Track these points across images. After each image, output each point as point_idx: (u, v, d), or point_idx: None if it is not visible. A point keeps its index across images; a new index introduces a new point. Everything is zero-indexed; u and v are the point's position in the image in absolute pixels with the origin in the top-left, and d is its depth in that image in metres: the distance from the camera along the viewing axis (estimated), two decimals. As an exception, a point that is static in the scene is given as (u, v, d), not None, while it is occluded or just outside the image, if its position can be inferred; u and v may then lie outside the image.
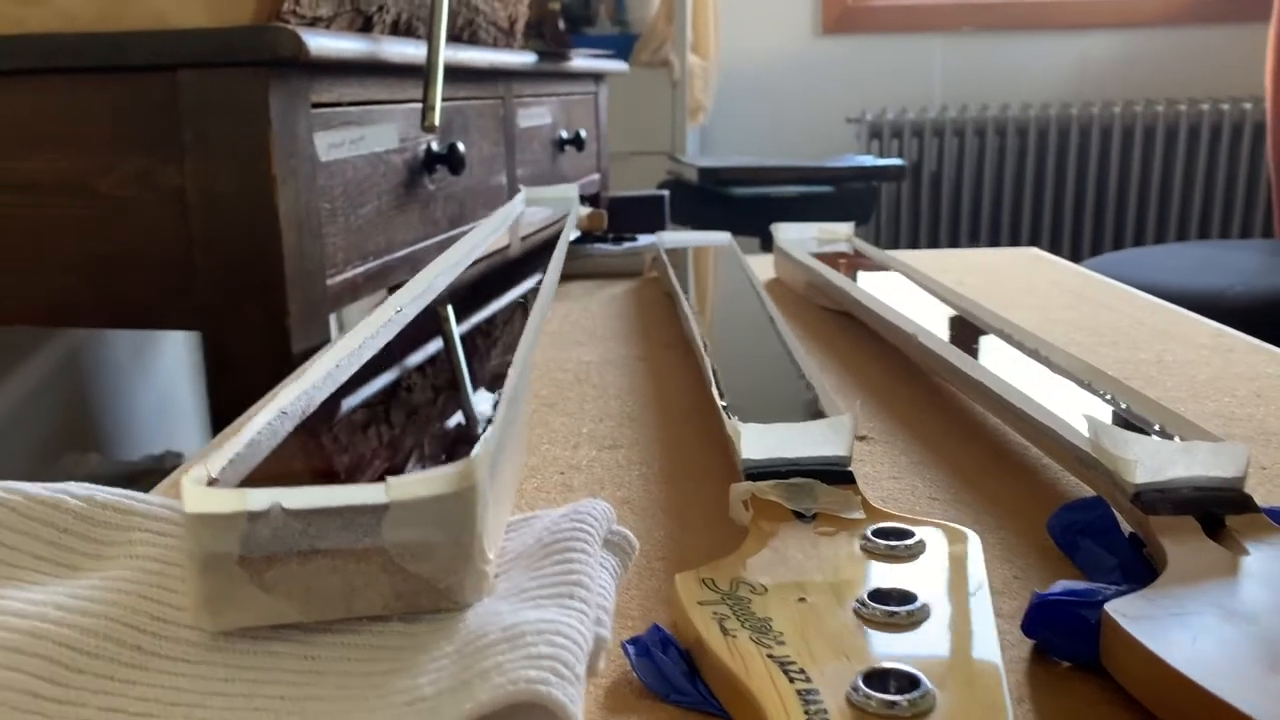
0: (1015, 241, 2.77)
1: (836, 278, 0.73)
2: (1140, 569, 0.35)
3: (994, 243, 2.77)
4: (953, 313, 0.65)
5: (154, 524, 0.27)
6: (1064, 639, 0.31)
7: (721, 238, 0.96)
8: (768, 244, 2.14)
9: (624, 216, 1.61)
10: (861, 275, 0.82)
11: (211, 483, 0.24)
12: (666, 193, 1.72)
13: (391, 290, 0.87)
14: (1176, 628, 0.29)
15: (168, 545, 0.26)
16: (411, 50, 0.81)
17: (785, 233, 0.94)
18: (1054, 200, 2.75)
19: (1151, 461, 0.36)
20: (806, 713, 0.26)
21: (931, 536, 0.35)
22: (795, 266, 0.85)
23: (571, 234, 0.76)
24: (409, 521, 0.24)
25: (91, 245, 0.67)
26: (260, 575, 0.24)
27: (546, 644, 0.21)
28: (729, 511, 0.38)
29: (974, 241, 2.78)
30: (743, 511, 0.38)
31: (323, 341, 0.73)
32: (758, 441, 0.39)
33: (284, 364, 0.68)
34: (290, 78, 0.67)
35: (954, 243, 2.78)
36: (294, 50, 0.64)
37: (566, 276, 0.90)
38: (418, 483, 0.24)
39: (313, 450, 0.29)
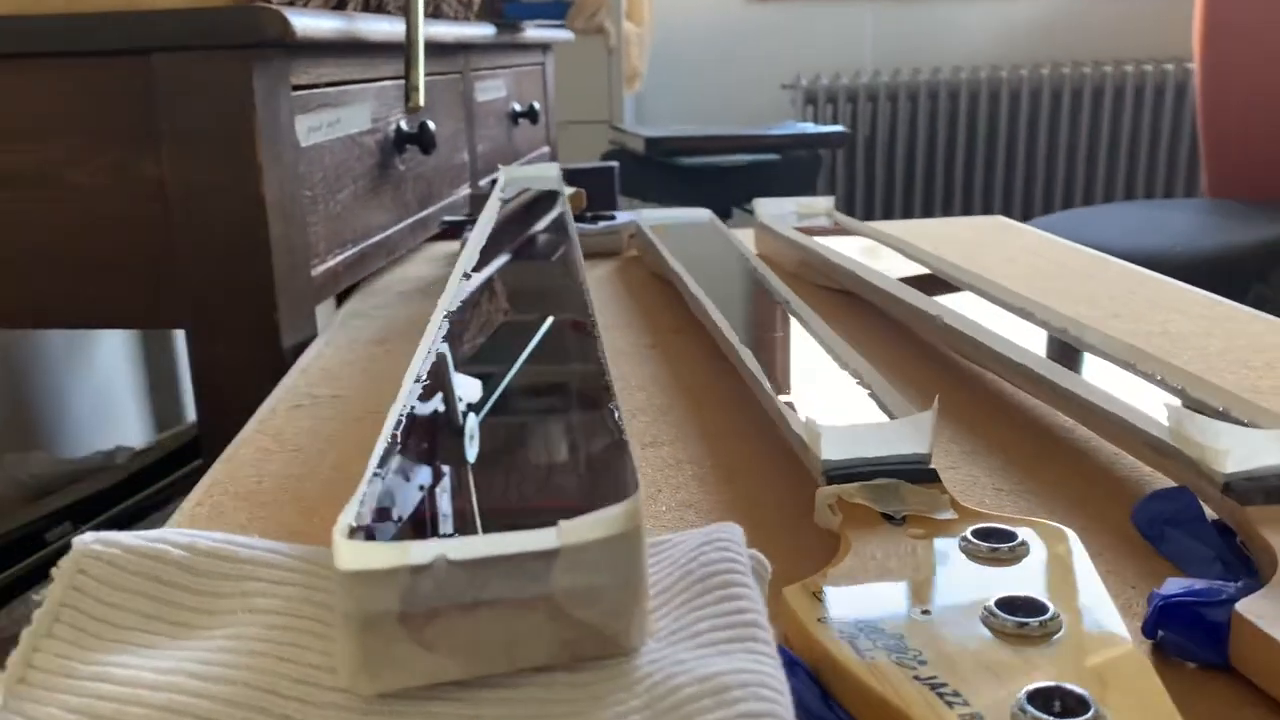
0: (950, 207, 2.80)
1: (840, 258, 0.72)
2: (1238, 560, 0.35)
3: (931, 209, 2.80)
4: (964, 290, 0.65)
5: (266, 571, 0.25)
6: (1191, 640, 0.31)
7: (701, 214, 0.95)
8: (714, 212, 2.13)
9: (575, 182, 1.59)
10: (854, 251, 0.82)
11: (356, 532, 0.22)
12: (616, 164, 1.69)
13: (348, 294, 0.84)
14: (1317, 629, 0.29)
15: (288, 596, 0.24)
16: (388, 27, 0.78)
17: (766, 207, 0.93)
18: (985, 164, 2.79)
19: (1241, 450, 0.36)
20: (978, 741, 0.25)
21: (1030, 537, 0.34)
22: (784, 244, 0.84)
23: (567, 216, 0.74)
24: (579, 566, 0.22)
25: (65, 242, 0.63)
26: (421, 632, 0.22)
27: (756, 698, 0.20)
28: (814, 516, 0.37)
29: (912, 208, 2.80)
30: (829, 516, 0.36)
31: (310, 336, 0.70)
32: (837, 443, 0.38)
33: (275, 362, 0.65)
34: (273, 60, 0.63)
35: (890, 210, 2.80)
36: (280, 31, 0.60)
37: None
38: (590, 525, 0.22)
39: (438, 480, 0.27)
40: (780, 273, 0.84)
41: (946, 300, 0.64)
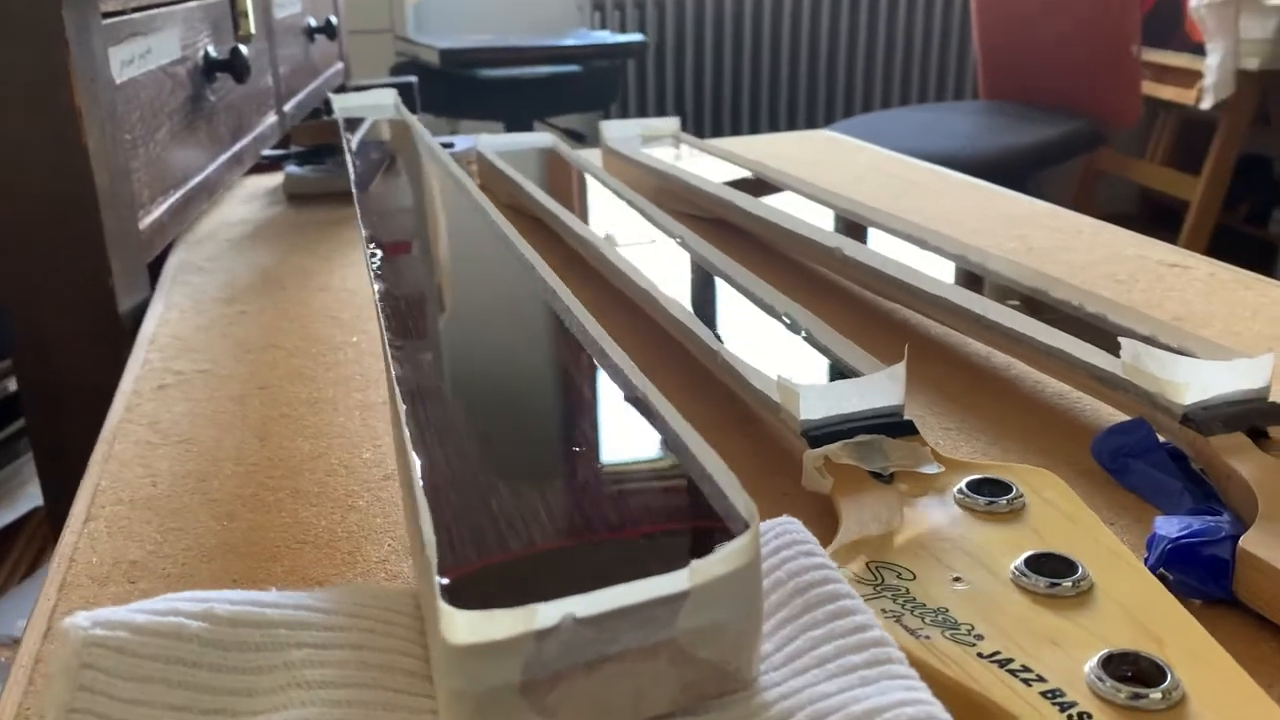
0: (739, 115, 2.83)
1: (717, 188, 0.70)
2: (1204, 489, 0.36)
3: (720, 117, 2.82)
4: (844, 216, 0.65)
5: (307, 635, 0.21)
6: (1198, 578, 0.31)
7: (543, 138, 0.91)
8: (513, 127, 2.07)
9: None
10: (711, 175, 0.80)
11: (457, 595, 0.19)
12: (415, 79, 1.60)
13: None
14: (1321, 560, 0.30)
15: (341, 662, 0.21)
16: (198, -59, 0.69)
17: (612, 130, 0.90)
18: (771, 72, 2.82)
19: (1197, 381, 0.37)
20: (1070, 718, 0.24)
21: (1019, 485, 0.34)
22: (637, 169, 0.82)
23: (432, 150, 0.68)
24: (706, 605, 0.20)
25: None
26: (543, 699, 0.19)
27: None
28: (801, 480, 0.36)
29: (703, 117, 2.81)
30: (819, 479, 0.35)
31: (145, 298, 0.62)
32: (815, 401, 0.36)
33: (112, 330, 0.58)
34: (81, -16, 0.55)
35: (686, 122, 2.80)
36: (91, -49, 0.52)
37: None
38: (721, 561, 0.20)
39: (505, 501, 0.23)
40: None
41: (840, 225, 0.64)
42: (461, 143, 0.91)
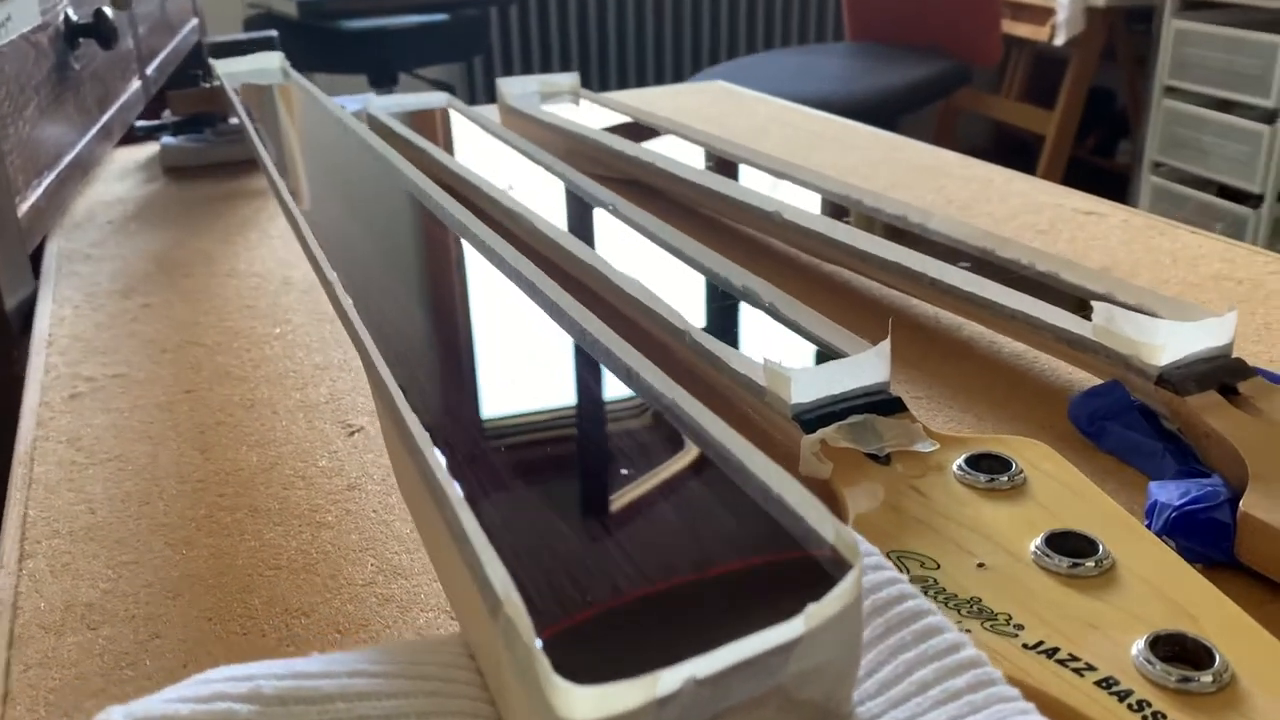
0: (606, 66, 2.79)
1: (636, 150, 0.68)
2: (1181, 447, 0.37)
3: (588, 67, 2.77)
4: (771, 176, 0.64)
5: (370, 705, 0.19)
6: (1202, 543, 0.32)
7: (437, 98, 0.87)
8: (378, 81, 1.99)
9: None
10: (614, 131, 0.78)
11: (560, 662, 0.17)
12: (275, 33, 1.52)
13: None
14: (1323, 520, 0.30)
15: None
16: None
17: (510, 87, 0.87)
18: (636, 20, 2.79)
19: (1172, 343, 0.38)
20: (1130, 707, 0.24)
21: (1017, 458, 0.34)
22: (546, 131, 0.79)
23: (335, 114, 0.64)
24: (815, 648, 0.19)
25: None
26: (659, 767, 0.17)
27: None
28: (799, 466, 0.35)
29: (569, 66, 2.76)
30: (817, 464, 0.34)
31: (30, 293, 0.57)
32: (806, 385, 0.35)
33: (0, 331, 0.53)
34: (-63, -51, 0.49)
35: (554, 69, 2.74)
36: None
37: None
38: (829, 603, 0.18)
39: (573, 540, 0.21)
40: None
41: (766, 184, 0.63)
42: (348, 105, 0.86)
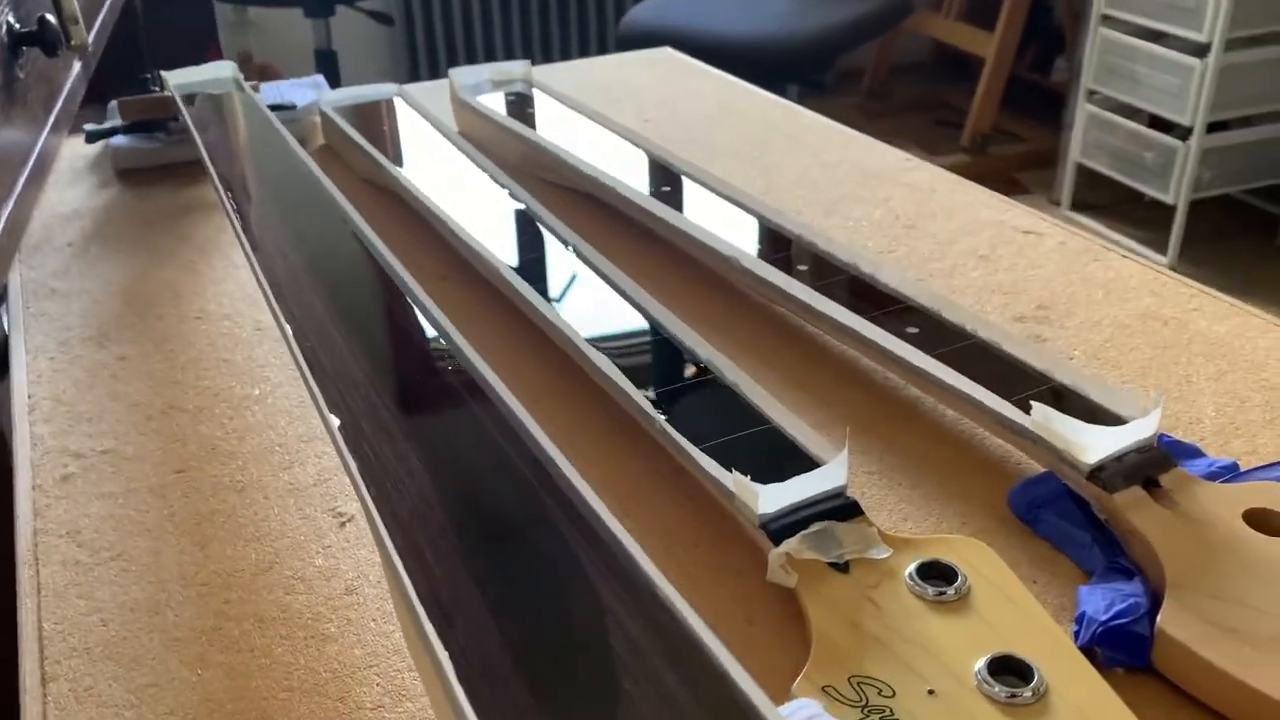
0: (530, 13, 2.72)
1: (584, 165, 0.70)
2: (1107, 540, 0.41)
3: (509, 14, 2.70)
4: (724, 202, 0.66)
5: None
6: (1124, 653, 0.36)
7: (387, 89, 0.87)
8: (314, 13, 1.93)
9: (166, 38, 1.37)
10: (566, 133, 0.79)
11: None
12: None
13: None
14: (1227, 640, 0.35)
15: None
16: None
17: (462, 78, 0.87)
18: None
19: (1101, 443, 0.41)
20: None
21: (960, 563, 0.37)
22: (501, 133, 0.80)
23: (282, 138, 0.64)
24: None
25: None
26: None
27: None
28: (767, 575, 0.38)
29: (490, 12, 2.69)
30: (783, 575, 0.38)
31: (1, 339, 0.58)
32: (771, 497, 0.39)
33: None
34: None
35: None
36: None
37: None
38: None
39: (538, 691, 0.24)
40: (501, 165, 0.79)
41: (714, 214, 0.65)
42: (302, 97, 0.86)
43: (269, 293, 0.45)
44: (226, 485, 0.45)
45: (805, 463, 0.41)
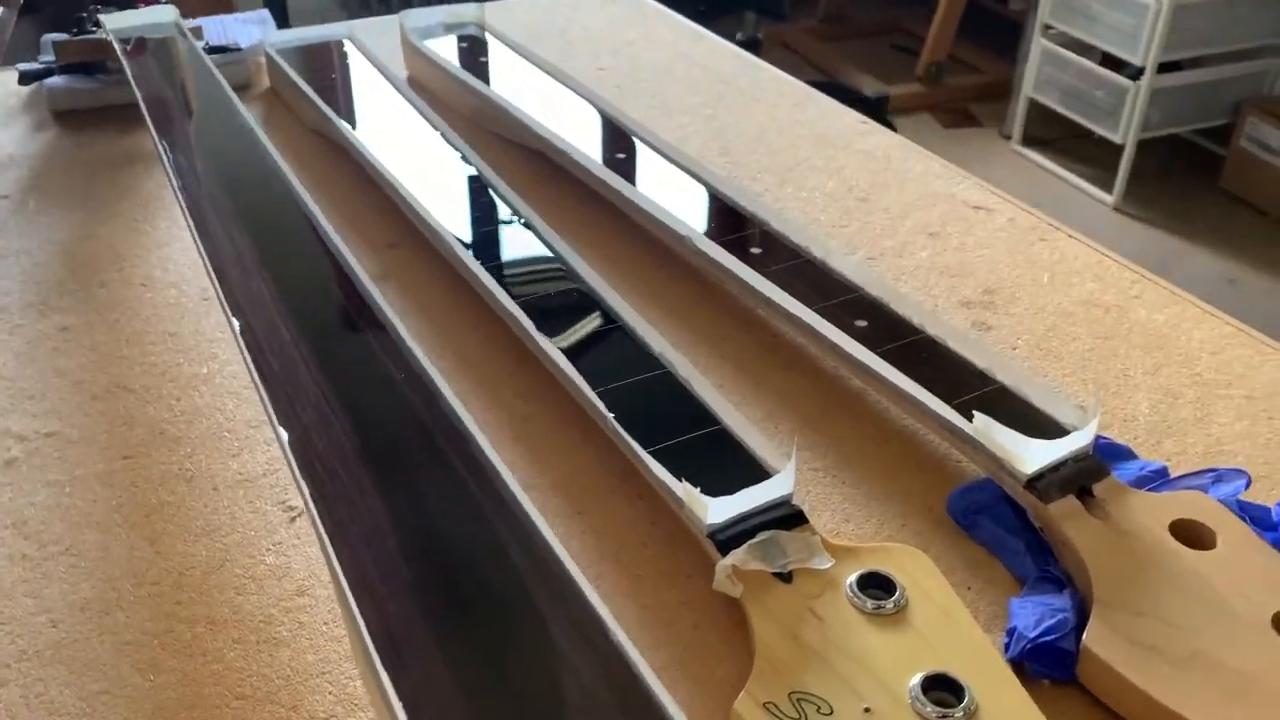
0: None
1: (535, 124, 0.69)
2: (1039, 547, 0.42)
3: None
4: (680, 172, 0.65)
5: None
6: (1050, 667, 0.37)
7: (337, 29, 0.84)
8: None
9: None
10: (519, 84, 0.78)
11: None
12: None
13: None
14: (1147, 658, 0.36)
15: None
16: None
17: (413, 20, 0.84)
18: None
19: (1038, 455, 0.42)
20: None
21: (898, 573, 0.39)
22: (451, 83, 0.78)
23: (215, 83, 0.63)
24: None
25: None
26: None
27: None
28: (714, 584, 0.39)
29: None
30: (729, 585, 0.39)
31: (-63, 304, 0.56)
32: (720, 508, 0.39)
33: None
34: None
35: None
36: None
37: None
38: None
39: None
40: (450, 117, 0.78)
41: (676, 188, 0.65)
42: (247, 36, 0.83)
43: (215, 282, 0.45)
44: (175, 474, 0.45)
45: (754, 468, 0.42)
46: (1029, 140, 2.43)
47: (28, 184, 0.68)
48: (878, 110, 2.40)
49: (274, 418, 0.36)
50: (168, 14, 0.72)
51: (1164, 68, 2.09)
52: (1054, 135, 2.42)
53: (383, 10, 2.94)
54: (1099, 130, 2.20)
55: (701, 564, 0.41)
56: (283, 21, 2.02)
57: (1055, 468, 0.43)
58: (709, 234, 0.58)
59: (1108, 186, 2.24)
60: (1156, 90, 2.09)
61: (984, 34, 2.83)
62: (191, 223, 0.49)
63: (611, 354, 0.49)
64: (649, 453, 0.42)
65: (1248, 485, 0.44)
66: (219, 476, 0.45)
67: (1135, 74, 2.09)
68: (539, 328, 0.50)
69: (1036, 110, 2.37)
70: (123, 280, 0.58)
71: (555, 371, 0.48)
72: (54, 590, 0.40)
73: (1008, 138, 2.48)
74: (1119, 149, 2.17)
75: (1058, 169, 2.36)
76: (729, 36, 2.18)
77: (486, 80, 0.78)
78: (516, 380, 0.52)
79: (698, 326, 0.56)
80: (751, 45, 2.09)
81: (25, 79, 0.75)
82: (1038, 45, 2.29)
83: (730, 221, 0.60)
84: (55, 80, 0.76)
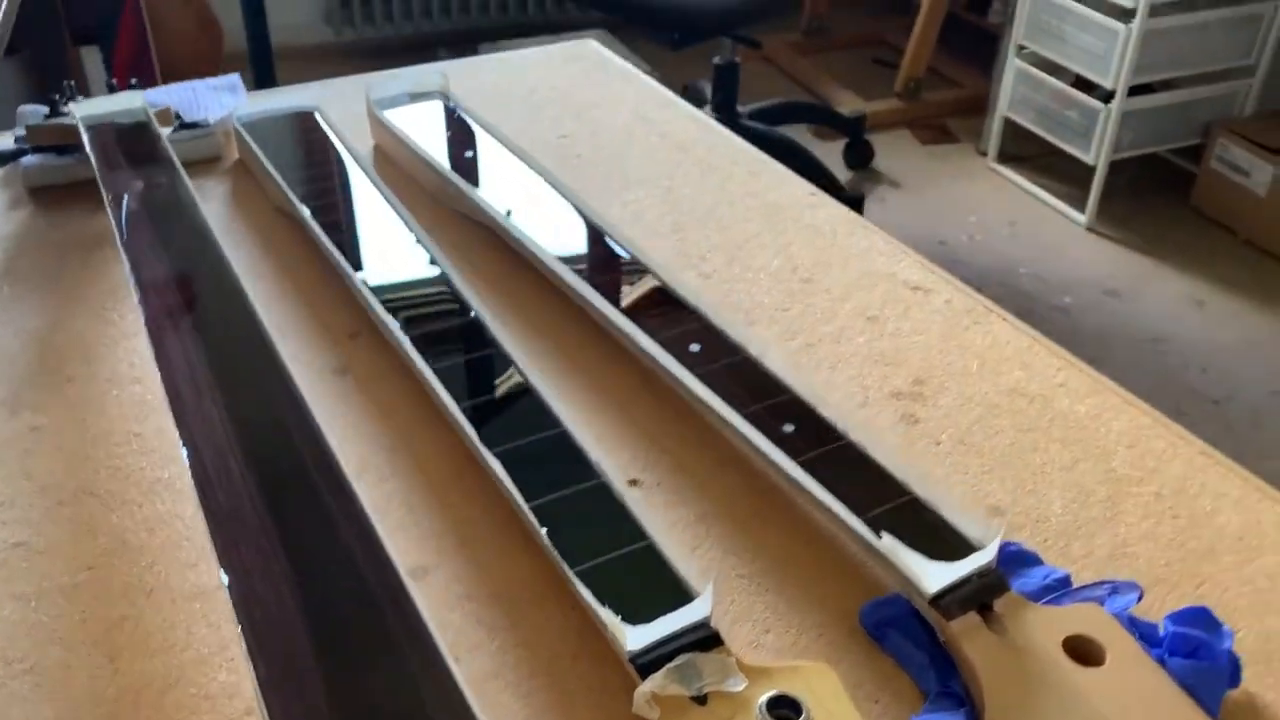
0: None
1: (495, 213, 0.71)
2: (943, 661, 0.45)
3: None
4: (638, 270, 0.68)
5: None
6: (945, 787, 0.41)
7: (305, 101, 0.87)
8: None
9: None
10: (481, 159, 0.80)
11: None
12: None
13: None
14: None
15: None
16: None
17: (379, 91, 0.87)
18: None
19: (941, 574, 0.45)
20: None
21: (805, 693, 0.42)
22: (415, 160, 0.81)
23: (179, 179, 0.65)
24: None
25: None
26: None
27: None
28: (632, 709, 0.42)
29: None
30: (647, 709, 0.42)
31: (-88, 402, 0.59)
32: (640, 634, 0.42)
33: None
34: None
35: None
36: None
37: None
38: None
39: None
40: (414, 200, 0.80)
41: (629, 287, 0.67)
42: (217, 105, 0.86)
43: (168, 402, 0.47)
44: (136, 586, 0.48)
45: (678, 588, 0.45)
46: (1005, 157, 2.47)
47: (3, 267, 0.70)
48: (856, 130, 2.43)
49: (216, 558, 0.38)
50: (136, 100, 0.75)
51: (1135, 90, 2.12)
52: (1030, 152, 2.46)
53: (366, 23, 2.96)
54: (1071, 150, 2.24)
55: (629, 681, 0.43)
56: (263, 45, 2.03)
57: (959, 585, 0.46)
58: (653, 330, 0.61)
59: (1081, 205, 2.27)
60: (1128, 113, 2.13)
61: (963, 45, 2.86)
62: (148, 334, 0.52)
63: (549, 463, 0.52)
64: (576, 573, 0.45)
65: (1139, 599, 0.47)
66: (177, 589, 0.48)
67: (1107, 96, 2.12)
68: (480, 434, 0.53)
69: (1012, 127, 2.40)
70: (90, 375, 0.61)
71: (495, 480, 0.51)
72: (16, 713, 0.43)
73: (984, 154, 2.51)
74: (1092, 168, 2.20)
75: (1033, 187, 2.39)
76: (705, 60, 2.21)
77: (450, 153, 0.80)
78: (465, 482, 0.54)
79: (640, 423, 0.59)
80: (729, 67, 2.12)
81: (0, 160, 0.78)
82: (1012, 65, 2.32)
83: (675, 316, 0.63)
84: (30, 157, 0.79)
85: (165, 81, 1.77)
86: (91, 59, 1.42)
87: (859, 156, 2.45)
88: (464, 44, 3.03)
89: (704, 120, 0.94)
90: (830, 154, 2.47)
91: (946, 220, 2.29)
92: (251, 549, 0.40)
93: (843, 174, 2.43)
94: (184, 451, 0.44)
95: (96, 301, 0.67)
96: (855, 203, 2.15)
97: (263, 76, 2.11)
